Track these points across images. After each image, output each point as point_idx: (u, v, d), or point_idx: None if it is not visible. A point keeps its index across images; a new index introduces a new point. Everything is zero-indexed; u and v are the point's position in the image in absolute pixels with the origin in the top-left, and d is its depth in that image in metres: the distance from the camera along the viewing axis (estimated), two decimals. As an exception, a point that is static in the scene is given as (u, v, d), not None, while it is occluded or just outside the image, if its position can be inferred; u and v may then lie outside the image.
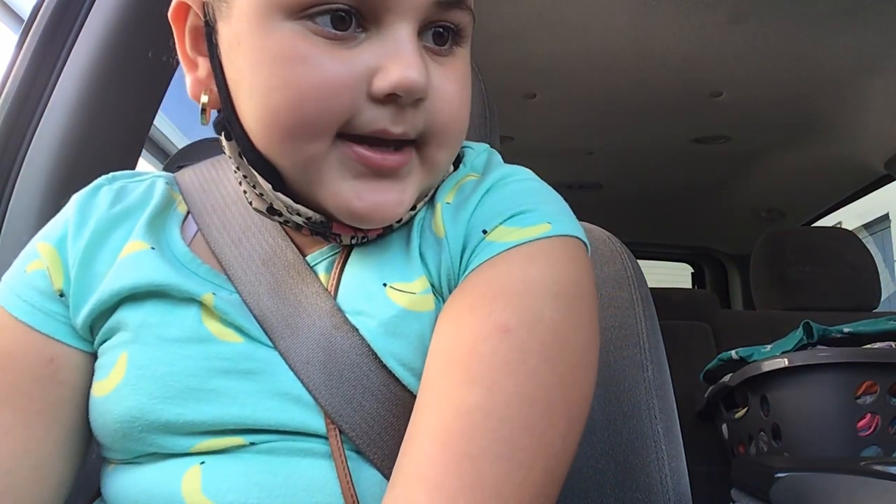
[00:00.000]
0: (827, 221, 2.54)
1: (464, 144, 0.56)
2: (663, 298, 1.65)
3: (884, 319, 1.21)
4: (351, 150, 0.43)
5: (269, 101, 0.43)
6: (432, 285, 0.48)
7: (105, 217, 0.52)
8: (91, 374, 0.50)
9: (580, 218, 0.51)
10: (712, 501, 1.01)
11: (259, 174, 0.47)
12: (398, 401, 0.45)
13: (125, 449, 0.47)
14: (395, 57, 0.42)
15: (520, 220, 0.47)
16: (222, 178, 0.55)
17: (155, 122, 1.00)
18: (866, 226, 7.35)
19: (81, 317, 0.49)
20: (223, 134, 0.48)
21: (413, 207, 0.49)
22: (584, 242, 0.49)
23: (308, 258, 0.51)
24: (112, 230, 0.52)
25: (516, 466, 0.39)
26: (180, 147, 1.48)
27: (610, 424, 0.68)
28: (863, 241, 1.94)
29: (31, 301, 0.50)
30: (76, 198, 0.54)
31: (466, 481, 0.38)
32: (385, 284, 0.47)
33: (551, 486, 0.41)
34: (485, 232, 0.47)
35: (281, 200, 0.47)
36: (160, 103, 0.97)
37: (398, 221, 0.49)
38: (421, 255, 0.49)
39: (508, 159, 0.56)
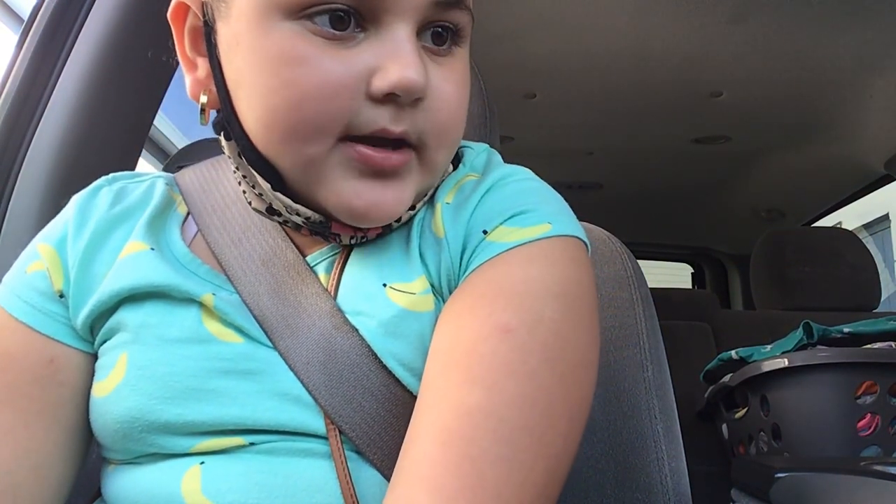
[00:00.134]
0: (827, 221, 2.54)
1: (463, 144, 0.56)
2: (663, 298, 1.65)
3: (884, 319, 1.21)
4: (353, 149, 0.43)
5: (269, 102, 0.43)
6: (432, 285, 0.48)
7: (105, 218, 0.52)
8: (91, 374, 0.50)
9: (580, 218, 0.51)
10: (712, 501, 1.01)
11: (258, 174, 0.47)
12: (398, 401, 0.45)
13: (125, 449, 0.47)
14: (393, 57, 0.42)
15: (520, 220, 0.47)
16: (222, 178, 0.55)
17: (155, 122, 1.00)
18: (866, 226, 7.35)
19: (81, 317, 0.49)
20: (222, 134, 0.48)
21: (412, 207, 0.49)
22: (584, 242, 0.49)
23: (308, 258, 0.51)
24: (112, 231, 0.52)
25: (517, 467, 0.39)
26: (180, 147, 1.48)
27: (610, 424, 0.68)
28: (863, 241, 1.94)
29: (32, 302, 0.50)
30: (76, 199, 0.54)
31: (467, 482, 0.38)
32: (385, 285, 0.47)
33: (552, 487, 0.41)
34: (485, 232, 0.47)
35: (280, 200, 0.47)
36: (160, 103, 0.97)
37: (397, 221, 0.49)
38: (421, 255, 0.49)
39: (508, 159, 0.56)
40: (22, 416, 0.48)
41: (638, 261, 0.76)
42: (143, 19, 0.87)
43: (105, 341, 0.49)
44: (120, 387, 0.46)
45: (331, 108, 0.42)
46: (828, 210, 2.43)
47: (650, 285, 0.75)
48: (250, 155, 0.46)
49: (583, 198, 2.39)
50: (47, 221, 0.54)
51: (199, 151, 1.10)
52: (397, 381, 0.45)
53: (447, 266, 0.48)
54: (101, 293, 0.49)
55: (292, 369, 0.46)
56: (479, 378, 0.41)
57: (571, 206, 0.51)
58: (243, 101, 0.45)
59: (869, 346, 1.17)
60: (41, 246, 0.52)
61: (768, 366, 1.17)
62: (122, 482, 0.47)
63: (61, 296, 0.50)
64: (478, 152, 0.56)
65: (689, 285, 3.13)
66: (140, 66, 0.89)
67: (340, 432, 0.44)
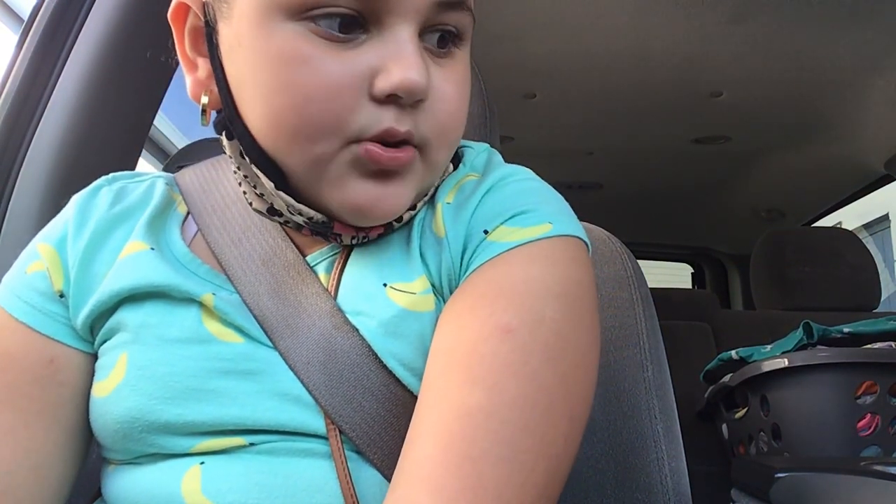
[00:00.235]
0: (827, 221, 2.54)
1: (464, 144, 0.56)
2: (663, 298, 1.65)
3: (884, 319, 1.21)
4: (362, 148, 0.43)
5: (273, 102, 0.43)
6: (433, 285, 0.48)
7: (105, 218, 0.52)
8: (91, 374, 0.50)
9: (580, 218, 0.51)
10: (712, 501, 1.01)
11: (262, 172, 0.47)
12: (398, 401, 0.45)
13: (125, 449, 0.47)
14: (396, 58, 0.42)
15: (521, 220, 0.47)
16: (222, 178, 0.55)
17: (155, 122, 1.00)
18: (866, 226, 7.35)
19: (81, 317, 0.49)
20: (224, 133, 0.48)
21: (413, 207, 0.49)
22: (585, 242, 0.49)
23: (308, 258, 0.51)
24: (112, 231, 0.52)
25: (518, 468, 0.39)
26: (180, 147, 1.48)
27: (610, 424, 0.68)
28: (863, 241, 1.94)
29: (32, 302, 0.50)
30: (76, 198, 0.54)
31: (468, 483, 0.38)
32: (385, 284, 0.47)
33: (553, 487, 0.41)
34: (486, 232, 0.47)
35: (283, 199, 0.47)
36: (160, 103, 0.97)
37: (398, 221, 0.49)
38: (421, 255, 0.49)
39: (508, 159, 0.56)
40: (22, 416, 0.48)
41: (638, 261, 0.76)
42: (142, 19, 0.87)
43: (105, 341, 0.49)
44: (120, 387, 0.46)
45: (333, 109, 0.42)
46: (828, 210, 2.43)
47: (650, 285, 0.75)
48: (254, 154, 0.46)
49: (583, 198, 2.39)
50: (47, 221, 0.54)
51: (199, 151, 1.10)
52: (397, 380, 0.45)
53: (448, 266, 0.48)
54: (102, 293, 0.49)
55: (292, 369, 0.46)
56: (480, 378, 0.41)
57: (571, 206, 0.51)
58: (246, 101, 0.45)
59: (869, 346, 1.17)
60: (41, 246, 0.52)
61: (768, 366, 1.17)
62: (122, 482, 0.47)
63: (61, 296, 0.50)
64: (478, 152, 0.56)
65: (689, 285, 3.13)
66: (140, 66, 0.89)
67: (341, 432, 0.44)
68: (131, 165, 0.95)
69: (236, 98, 0.46)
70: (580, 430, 0.43)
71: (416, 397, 0.44)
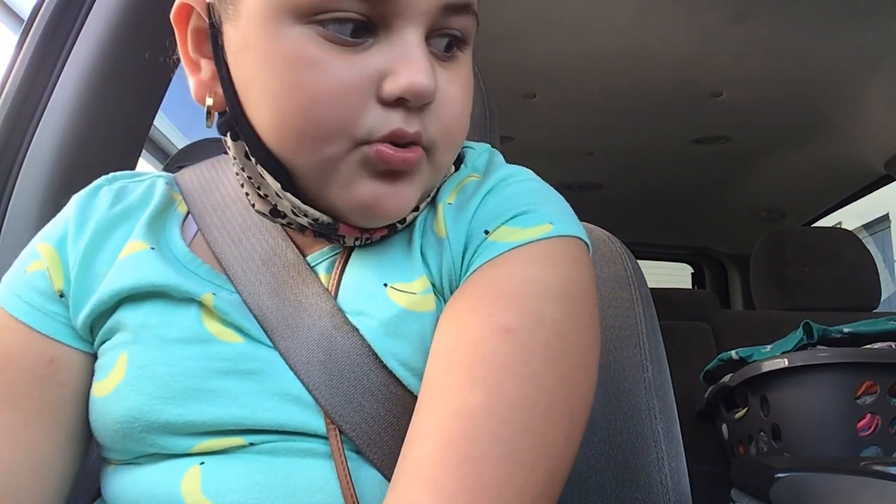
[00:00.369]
0: (827, 221, 2.54)
1: (465, 144, 0.56)
2: (663, 298, 1.65)
3: (884, 319, 1.21)
4: (373, 148, 0.43)
5: (281, 104, 0.43)
6: (433, 285, 0.48)
7: (105, 217, 0.52)
8: (91, 374, 0.50)
9: (580, 218, 0.51)
10: (712, 501, 1.01)
11: (268, 173, 0.47)
12: (398, 401, 0.45)
13: (125, 449, 0.47)
14: (404, 61, 0.42)
15: (522, 220, 0.47)
16: (222, 178, 0.55)
17: (155, 122, 1.00)
18: (866, 226, 7.35)
19: (81, 317, 0.49)
20: (228, 134, 0.48)
21: (416, 208, 0.49)
22: (585, 243, 0.49)
23: (308, 258, 0.51)
24: (112, 230, 0.52)
25: (518, 468, 0.39)
26: (180, 147, 1.48)
27: (610, 424, 0.68)
28: (863, 241, 1.94)
29: (32, 302, 0.50)
30: (76, 198, 0.54)
31: (467, 483, 0.38)
32: (385, 284, 0.47)
33: (553, 487, 0.41)
34: (486, 232, 0.47)
35: (288, 200, 0.47)
36: (160, 103, 0.97)
37: (401, 222, 0.49)
38: (422, 255, 0.49)
39: (508, 159, 0.56)
40: (22, 416, 0.48)
41: (638, 261, 0.76)
42: (142, 19, 0.87)
43: (105, 341, 0.49)
44: (120, 387, 0.46)
45: (341, 112, 0.42)
46: (828, 210, 2.43)
47: (650, 285, 0.75)
48: (260, 154, 0.46)
49: (583, 198, 2.39)
50: (47, 221, 0.54)
51: (199, 151, 1.10)
52: (398, 380, 0.45)
53: (449, 266, 0.48)
54: (102, 293, 0.49)
55: (292, 369, 0.46)
56: (481, 378, 0.41)
57: (571, 207, 0.51)
58: (253, 102, 0.45)
59: (869, 346, 1.17)
60: (41, 245, 0.52)
61: (768, 366, 1.17)
62: (122, 482, 0.47)
63: (61, 295, 0.50)
64: (479, 153, 0.56)
65: (689, 285, 3.13)
66: (140, 66, 0.89)
67: (340, 432, 0.44)
68: (131, 165, 0.95)
69: (242, 100, 0.46)
70: (580, 431, 0.43)
71: (415, 397, 0.44)
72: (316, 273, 0.50)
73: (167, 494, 0.44)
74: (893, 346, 1.15)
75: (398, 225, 0.49)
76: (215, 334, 0.47)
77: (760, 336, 1.42)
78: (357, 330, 0.46)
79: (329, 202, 0.46)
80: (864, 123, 1.82)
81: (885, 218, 7.58)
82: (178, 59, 0.51)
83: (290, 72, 0.42)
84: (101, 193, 0.54)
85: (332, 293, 0.48)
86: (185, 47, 0.49)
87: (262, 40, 0.43)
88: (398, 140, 0.44)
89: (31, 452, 0.48)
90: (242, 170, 0.49)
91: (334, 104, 0.42)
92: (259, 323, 0.47)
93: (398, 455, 0.41)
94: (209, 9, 0.47)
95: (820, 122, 1.85)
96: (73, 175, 0.84)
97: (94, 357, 0.50)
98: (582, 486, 0.67)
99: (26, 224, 0.82)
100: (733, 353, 1.30)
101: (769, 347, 1.24)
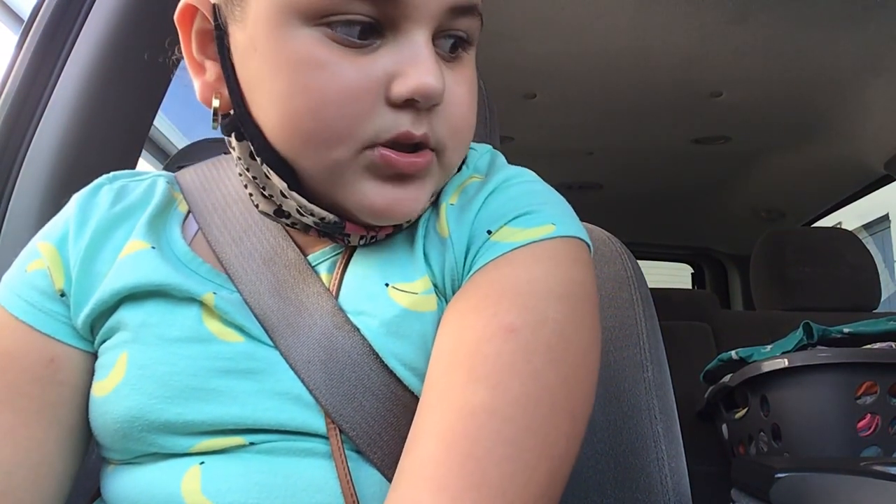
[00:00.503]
0: (827, 221, 2.54)
1: (466, 145, 0.56)
2: (663, 298, 1.65)
3: (884, 320, 1.21)
4: (378, 153, 0.44)
5: (289, 106, 0.43)
6: (435, 286, 0.48)
7: (106, 216, 0.52)
8: (91, 374, 0.50)
9: (580, 218, 0.52)
10: (712, 501, 1.01)
11: (274, 173, 0.46)
12: (399, 401, 0.45)
13: (125, 449, 0.47)
14: (412, 63, 0.42)
15: (524, 221, 0.47)
16: (223, 177, 0.55)
17: (155, 122, 1.00)
18: (866, 226, 7.35)
19: (82, 316, 0.49)
20: (233, 135, 0.48)
21: None
22: (587, 244, 0.49)
23: (309, 258, 0.51)
24: (113, 230, 0.52)
25: (521, 467, 0.39)
26: (180, 147, 1.48)
27: (610, 424, 0.68)
28: (863, 241, 1.94)
29: (32, 301, 0.50)
30: (77, 197, 0.54)
31: (471, 482, 0.38)
32: (387, 284, 0.47)
33: (555, 487, 0.41)
34: (489, 232, 0.47)
35: (295, 200, 0.47)
36: (160, 103, 0.97)
37: (407, 222, 0.49)
38: (425, 255, 0.49)
39: (508, 159, 0.56)
40: (22, 415, 0.48)
41: (638, 261, 0.76)
42: (142, 19, 0.87)
43: (105, 340, 0.49)
44: (120, 386, 0.46)
45: (350, 114, 0.42)
46: (828, 210, 2.43)
47: (650, 285, 0.75)
48: (266, 155, 0.46)
49: (583, 198, 2.39)
50: (47, 221, 0.54)
51: (199, 151, 1.10)
52: (398, 380, 0.45)
53: (451, 266, 0.48)
54: (102, 292, 0.49)
55: (293, 368, 0.46)
56: (484, 378, 0.41)
57: (571, 207, 0.52)
58: (260, 104, 0.45)
59: (869, 346, 1.16)
60: (42, 244, 0.52)
61: (768, 366, 1.17)
62: (122, 482, 0.47)
63: (62, 295, 0.50)
64: (481, 153, 0.56)
65: (689, 285, 3.13)
66: (140, 66, 0.89)
67: (341, 432, 0.44)
68: (131, 165, 0.95)
69: (248, 101, 0.46)
70: (582, 430, 0.43)
71: (416, 397, 0.44)
72: (317, 273, 0.50)
73: (167, 494, 0.44)
74: (893, 346, 1.15)
75: (403, 224, 0.49)
76: (216, 334, 0.47)
77: (760, 336, 1.42)
78: (358, 329, 0.46)
79: (336, 202, 0.46)
80: (864, 123, 1.82)
81: (885, 218, 7.58)
82: (178, 59, 0.51)
83: (298, 74, 0.42)
84: (102, 193, 0.54)
85: (334, 293, 0.48)
86: (189, 49, 0.49)
87: (269, 42, 0.43)
88: (405, 142, 0.44)
89: (30, 452, 0.48)
90: (247, 170, 0.49)
91: (343, 106, 0.42)
92: (260, 322, 0.47)
93: (399, 455, 0.41)
94: (215, 10, 0.46)
95: (820, 122, 1.85)
96: (73, 175, 0.84)
97: (95, 356, 0.50)
98: (582, 486, 0.67)
99: (26, 224, 0.82)
100: (733, 353, 1.30)
101: (769, 347, 1.24)
